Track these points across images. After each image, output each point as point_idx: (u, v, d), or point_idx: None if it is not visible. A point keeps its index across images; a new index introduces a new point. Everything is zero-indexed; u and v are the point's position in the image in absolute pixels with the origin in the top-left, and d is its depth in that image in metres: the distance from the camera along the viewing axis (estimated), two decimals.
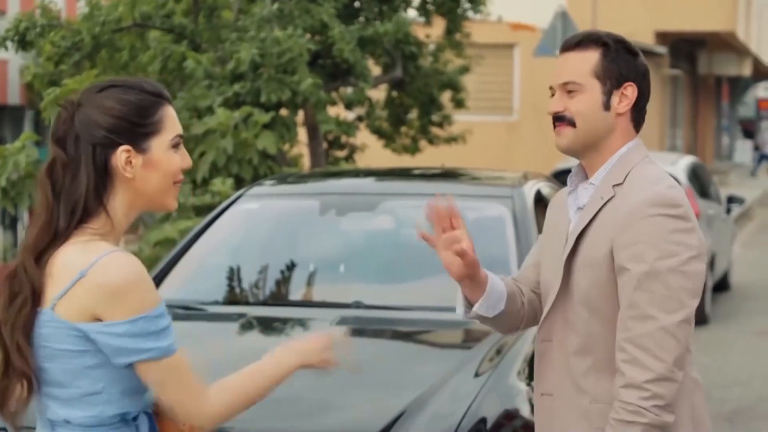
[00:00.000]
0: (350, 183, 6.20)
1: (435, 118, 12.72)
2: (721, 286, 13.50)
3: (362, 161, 12.97)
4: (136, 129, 2.41)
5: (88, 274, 2.30)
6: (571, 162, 12.05)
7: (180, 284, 5.19)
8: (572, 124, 2.82)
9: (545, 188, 6.03)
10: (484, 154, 20.00)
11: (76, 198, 2.37)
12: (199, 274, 5.46)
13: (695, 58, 33.38)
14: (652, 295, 2.69)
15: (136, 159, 2.41)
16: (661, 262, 2.69)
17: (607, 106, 2.83)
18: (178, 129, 2.48)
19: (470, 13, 12.65)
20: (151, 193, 2.45)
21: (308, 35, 9.98)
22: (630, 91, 2.84)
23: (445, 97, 12.77)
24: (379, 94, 12.56)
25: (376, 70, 12.01)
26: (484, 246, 5.35)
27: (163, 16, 10.19)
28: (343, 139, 12.41)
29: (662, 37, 27.25)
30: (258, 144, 8.71)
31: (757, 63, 37.04)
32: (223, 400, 2.39)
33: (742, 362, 9.84)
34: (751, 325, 11.51)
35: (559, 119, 2.83)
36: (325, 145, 11.59)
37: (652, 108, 26.72)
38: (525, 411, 4.08)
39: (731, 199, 14.28)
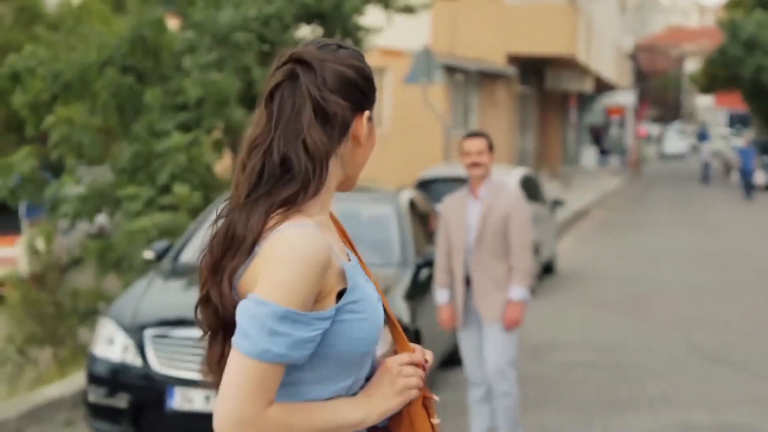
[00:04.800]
0: None
1: None
2: (547, 269, 16.50)
3: None
4: (372, 95, 2.24)
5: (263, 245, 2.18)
6: (433, 173, 16.00)
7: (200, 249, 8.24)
8: (484, 166, 6.59)
9: (415, 196, 9.43)
10: None
11: None
12: None
13: (543, 76, 36.27)
14: (526, 228, 6.61)
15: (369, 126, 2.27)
16: (527, 218, 6.64)
17: (492, 160, 6.57)
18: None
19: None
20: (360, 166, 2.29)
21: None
22: (494, 153, 6.62)
23: None
24: None
25: None
26: (376, 233, 8.68)
27: (121, 56, 13.17)
28: None
29: (512, 59, 30.38)
30: (204, 159, 11.88)
31: (599, 79, 40.88)
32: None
33: (558, 324, 12.49)
34: (569, 297, 14.55)
35: (478, 165, 6.66)
36: None
37: (504, 122, 30.21)
38: None
39: (555, 203, 17.02)
